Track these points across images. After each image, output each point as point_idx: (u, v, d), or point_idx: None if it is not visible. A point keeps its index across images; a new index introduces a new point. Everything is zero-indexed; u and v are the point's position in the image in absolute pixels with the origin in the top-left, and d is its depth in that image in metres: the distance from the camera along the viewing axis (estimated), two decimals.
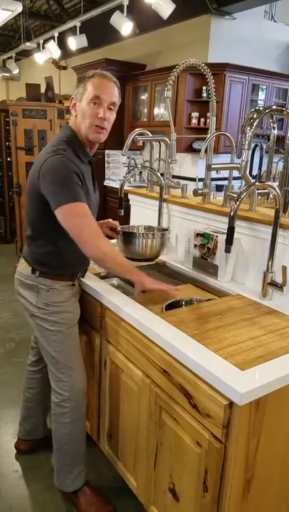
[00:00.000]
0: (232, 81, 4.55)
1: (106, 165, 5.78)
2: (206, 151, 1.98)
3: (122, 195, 2.15)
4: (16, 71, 8.27)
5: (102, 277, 1.94)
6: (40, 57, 6.45)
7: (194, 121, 4.73)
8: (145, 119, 5.32)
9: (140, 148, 5.75)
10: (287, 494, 1.37)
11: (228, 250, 1.49)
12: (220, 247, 1.82)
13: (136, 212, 2.57)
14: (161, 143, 2.45)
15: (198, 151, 4.70)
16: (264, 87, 4.94)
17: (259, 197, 2.02)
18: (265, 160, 2.67)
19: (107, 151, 5.65)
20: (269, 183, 1.61)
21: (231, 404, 1.09)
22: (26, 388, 1.99)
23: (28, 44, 6.58)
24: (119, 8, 4.68)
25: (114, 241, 2.01)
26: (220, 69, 4.38)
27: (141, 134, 2.25)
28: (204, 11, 4.61)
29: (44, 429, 2.05)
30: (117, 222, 1.96)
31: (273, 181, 2.47)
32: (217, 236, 1.84)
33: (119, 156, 5.72)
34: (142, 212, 2.48)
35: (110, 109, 1.52)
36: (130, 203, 2.59)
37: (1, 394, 2.52)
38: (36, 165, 1.50)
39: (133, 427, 1.58)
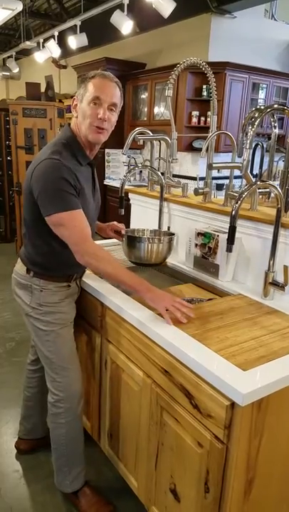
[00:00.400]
0: (232, 80, 4.55)
1: (106, 164, 5.77)
2: (206, 150, 1.97)
3: (123, 195, 2.14)
4: (16, 70, 8.26)
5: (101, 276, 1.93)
6: (40, 56, 6.43)
7: (194, 120, 4.72)
8: (145, 118, 5.31)
9: (140, 147, 5.74)
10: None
11: (229, 250, 1.48)
12: (221, 246, 1.81)
13: (136, 212, 2.56)
14: (162, 142, 2.44)
15: (198, 150, 4.69)
16: (264, 85, 4.94)
17: (260, 196, 2.01)
18: (265, 159, 2.67)
19: (107, 150, 5.64)
20: (270, 182, 1.61)
21: (233, 404, 1.09)
22: (26, 387, 1.99)
23: (28, 43, 6.57)
24: (120, 6, 4.67)
25: (106, 242, 1.99)
26: (220, 68, 4.37)
27: (141, 133, 2.25)
28: (204, 10, 4.60)
29: (44, 428, 2.04)
30: (122, 225, 1.94)
31: (274, 180, 2.47)
32: (218, 235, 1.83)
33: (120, 155, 5.71)
34: (143, 212, 2.48)
35: (111, 109, 1.50)
36: (131, 202, 2.58)
37: (1, 393, 2.51)
38: (31, 167, 1.49)
39: (134, 427, 1.58)
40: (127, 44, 5.76)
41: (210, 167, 1.99)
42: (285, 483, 1.32)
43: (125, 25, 4.66)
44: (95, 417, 1.86)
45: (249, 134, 1.59)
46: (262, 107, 1.70)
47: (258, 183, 1.61)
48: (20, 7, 3.93)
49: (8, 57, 8.12)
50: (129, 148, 2.15)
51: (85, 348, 1.85)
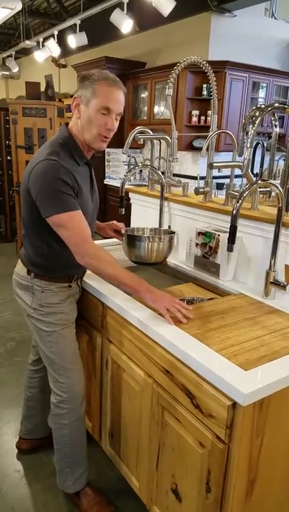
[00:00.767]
0: (232, 79, 4.54)
1: (106, 163, 5.77)
2: (207, 149, 1.97)
3: (123, 194, 2.14)
4: (15, 69, 8.25)
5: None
6: (39, 56, 6.43)
7: (195, 119, 4.72)
8: (145, 117, 5.31)
9: (141, 146, 5.74)
10: None
11: (230, 249, 1.48)
12: (222, 245, 1.81)
13: (137, 211, 2.55)
14: (162, 141, 2.44)
15: (198, 149, 4.69)
16: (264, 84, 4.93)
17: (261, 195, 2.01)
18: (266, 158, 2.66)
19: (107, 150, 5.64)
20: (271, 181, 1.60)
21: (234, 404, 1.08)
22: (27, 387, 1.98)
23: (27, 42, 6.56)
24: (119, 5, 4.66)
25: (106, 242, 1.99)
26: (220, 67, 4.37)
27: (141, 132, 2.24)
28: (204, 9, 4.59)
29: (45, 428, 2.03)
30: (122, 225, 1.93)
31: (275, 179, 2.46)
32: (219, 235, 1.82)
33: (120, 154, 5.71)
34: (143, 211, 2.47)
35: (116, 118, 1.49)
36: (131, 201, 2.58)
37: (2, 393, 2.51)
38: (29, 167, 1.48)
39: (135, 427, 1.57)
40: (127, 43, 5.75)
41: (210, 166, 1.99)
42: (287, 483, 1.32)
43: (125, 24, 4.66)
44: (96, 416, 1.86)
45: (250, 133, 1.59)
46: (262, 106, 1.70)
47: (259, 182, 1.61)
48: (19, 6, 3.93)
49: (8, 56, 8.12)
50: (130, 148, 2.15)
51: (86, 347, 1.85)
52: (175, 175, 2.60)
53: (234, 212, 1.44)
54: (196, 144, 4.78)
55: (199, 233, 1.93)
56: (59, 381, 1.64)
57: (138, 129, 2.21)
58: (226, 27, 4.76)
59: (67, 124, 1.56)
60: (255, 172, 3.06)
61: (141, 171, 5.56)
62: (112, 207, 5.50)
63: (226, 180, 2.13)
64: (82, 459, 1.73)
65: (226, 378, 1.09)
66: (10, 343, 3.09)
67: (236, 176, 2.13)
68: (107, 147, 5.99)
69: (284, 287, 1.58)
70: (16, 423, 2.24)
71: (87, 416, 1.91)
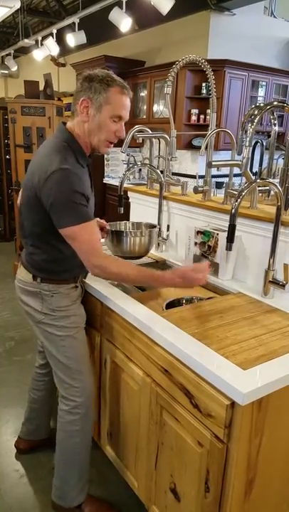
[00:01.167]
0: (232, 77, 4.54)
1: (105, 162, 5.76)
2: (206, 147, 1.96)
3: (122, 193, 2.13)
4: (14, 68, 8.23)
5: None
6: (38, 54, 6.41)
7: (194, 118, 4.71)
8: (144, 116, 5.30)
9: (140, 145, 5.73)
10: None
11: (229, 248, 1.48)
12: (220, 244, 1.80)
13: (136, 210, 2.55)
14: (161, 140, 2.43)
15: (197, 148, 4.68)
16: (264, 83, 4.92)
17: (260, 194, 2.00)
18: (265, 157, 2.66)
19: None
20: (270, 180, 1.60)
21: (233, 404, 1.08)
22: (32, 390, 1.96)
23: (26, 41, 6.54)
24: (118, 4, 4.65)
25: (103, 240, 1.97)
26: (219, 65, 4.36)
27: (140, 131, 2.24)
28: (203, 7, 4.58)
29: (46, 429, 2.03)
30: (104, 221, 1.92)
31: (274, 178, 2.46)
32: (218, 234, 1.82)
33: (119, 153, 5.70)
34: (142, 210, 2.47)
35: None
36: (130, 200, 2.57)
37: (1, 393, 2.51)
38: (38, 174, 1.40)
39: (134, 426, 1.57)
40: (126, 42, 5.74)
41: (209, 165, 1.99)
42: (285, 482, 1.32)
43: (124, 22, 4.64)
44: (94, 416, 1.86)
45: (249, 132, 1.58)
46: (261, 104, 1.70)
47: (258, 181, 1.60)
48: (18, 4, 3.92)
49: (7, 55, 8.09)
50: (129, 147, 2.14)
51: None
52: (174, 174, 2.60)
53: (233, 211, 1.44)
54: (195, 142, 4.78)
55: (198, 232, 1.92)
56: (74, 386, 1.59)
57: (137, 127, 2.20)
58: (225, 25, 4.75)
59: (64, 124, 1.52)
60: (254, 171, 3.05)
61: (140, 169, 5.55)
62: (111, 206, 5.49)
63: (225, 179, 2.13)
64: (88, 465, 1.68)
65: (225, 378, 1.09)
66: (9, 343, 3.09)
67: (235, 175, 2.13)
68: None
69: (283, 286, 1.58)
70: (14, 423, 2.24)
71: None
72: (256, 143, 2.87)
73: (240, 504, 1.19)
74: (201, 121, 4.71)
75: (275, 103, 1.66)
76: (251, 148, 1.85)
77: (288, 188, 1.66)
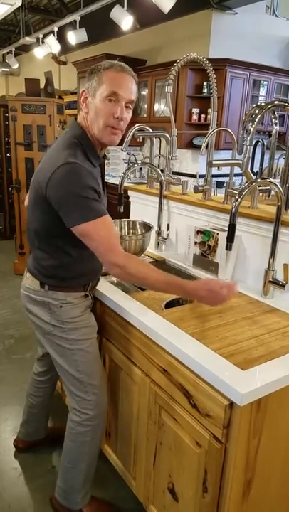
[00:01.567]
0: (233, 76, 4.52)
1: (106, 161, 5.75)
2: (206, 147, 1.96)
3: (122, 192, 2.13)
4: (15, 66, 8.21)
5: (102, 274, 1.92)
6: (39, 52, 6.40)
7: (195, 117, 4.70)
8: (145, 115, 5.29)
9: (140, 144, 5.72)
10: (288, 495, 1.36)
11: (229, 248, 1.47)
12: (220, 244, 1.80)
13: (136, 209, 2.55)
14: (162, 139, 2.43)
15: (198, 147, 4.68)
16: (265, 82, 4.91)
17: (260, 194, 2.00)
18: (266, 156, 2.65)
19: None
20: (271, 179, 1.59)
21: (232, 404, 1.08)
22: (31, 395, 1.92)
23: (27, 39, 6.53)
24: (120, 2, 4.64)
25: None
26: (221, 64, 4.35)
27: (141, 130, 2.23)
28: (205, 6, 4.57)
29: (45, 430, 2.03)
30: None
31: (274, 178, 2.45)
32: (218, 233, 1.82)
33: (119, 152, 5.69)
34: (142, 209, 2.46)
35: (127, 107, 1.36)
36: (130, 199, 2.57)
37: (0, 391, 2.51)
38: (44, 171, 1.31)
39: (132, 425, 1.57)
40: (127, 40, 5.73)
41: (210, 164, 1.98)
42: (284, 483, 1.32)
43: (125, 20, 4.63)
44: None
45: (249, 131, 1.58)
46: (262, 104, 1.69)
47: (259, 180, 1.60)
48: (19, 2, 3.90)
49: (8, 53, 8.07)
50: (129, 145, 2.14)
51: None
52: (174, 173, 2.59)
53: (233, 210, 1.43)
54: (196, 141, 4.77)
55: (198, 232, 1.92)
56: (86, 399, 1.52)
57: (137, 126, 2.20)
58: (226, 25, 4.74)
59: (76, 119, 1.43)
60: (254, 170, 3.05)
61: (140, 168, 5.54)
62: (111, 204, 5.46)
63: (226, 179, 2.12)
64: (93, 473, 1.64)
65: (224, 378, 1.08)
66: (8, 341, 3.09)
67: (236, 175, 2.12)
68: None
69: (283, 286, 1.57)
70: (13, 421, 2.23)
71: None
72: (257, 142, 2.86)
73: (238, 505, 1.19)
74: (202, 121, 4.70)
75: (276, 102, 1.65)
76: (252, 147, 1.84)
77: None
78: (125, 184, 2.18)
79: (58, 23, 5.90)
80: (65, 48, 6.31)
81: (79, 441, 1.56)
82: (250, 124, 1.57)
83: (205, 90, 4.60)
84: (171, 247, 2.25)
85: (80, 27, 5.43)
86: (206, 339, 1.28)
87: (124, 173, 2.20)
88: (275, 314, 1.50)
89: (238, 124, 4.56)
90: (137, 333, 1.44)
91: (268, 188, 1.99)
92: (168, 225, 2.25)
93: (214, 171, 2.13)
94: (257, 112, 1.61)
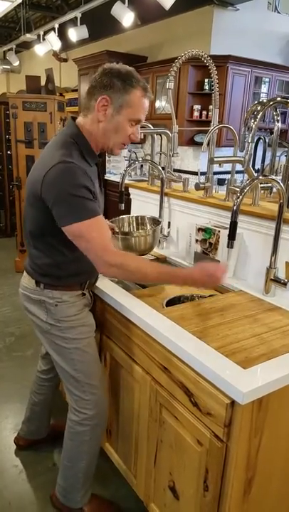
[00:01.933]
0: (234, 73, 4.51)
1: (107, 158, 5.73)
2: (208, 144, 1.95)
3: (123, 189, 2.12)
4: (16, 63, 8.20)
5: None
6: (40, 49, 6.38)
7: (196, 114, 4.68)
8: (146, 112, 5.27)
9: (141, 141, 5.70)
10: None
11: (230, 246, 1.46)
12: (222, 242, 1.79)
13: (136, 207, 2.54)
14: (163, 136, 2.42)
15: (199, 144, 4.66)
16: (267, 79, 4.89)
17: (262, 191, 1.99)
18: (268, 153, 2.64)
19: None
20: (273, 177, 1.58)
21: (233, 403, 1.07)
22: (34, 393, 1.93)
23: (28, 36, 6.51)
24: None
25: None
26: (222, 61, 4.33)
27: (142, 127, 2.22)
28: (207, 2, 4.54)
29: (47, 429, 2.03)
30: (111, 223, 1.89)
31: (276, 175, 2.44)
32: (219, 231, 1.81)
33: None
34: (143, 207, 2.45)
35: None
36: (131, 196, 2.56)
37: (1, 388, 2.51)
38: (39, 169, 1.31)
39: (133, 423, 1.57)
40: (128, 37, 5.70)
41: (211, 161, 1.97)
42: (285, 482, 1.31)
43: (126, 17, 4.61)
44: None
45: (251, 128, 1.57)
46: (264, 101, 1.68)
47: (260, 177, 1.59)
48: None
49: (9, 50, 8.06)
50: (130, 143, 2.13)
51: None
52: (175, 170, 2.58)
53: (235, 208, 1.42)
54: (197, 138, 4.75)
55: (199, 229, 1.91)
56: (84, 399, 1.51)
57: None
58: (228, 21, 4.71)
59: (73, 119, 1.42)
60: (256, 168, 3.03)
61: (141, 166, 5.53)
62: (112, 202, 5.47)
63: (227, 176, 2.11)
64: (93, 470, 1.64)
65: (225, 376, 1.08)
66: (9, 338, 3.09)
67: (237, 172, 2.11)
68: None
69: (284, 284, 1.57)
70: (14, 418, 2.23)
71: None
72: (259, 139, 2.85)
73: (239, 503, 1.19)
74: (204, 117, 4.68)
75: (278, 99, 1.64)
76: (254, 144, 1.83)
77: None
78: (126, 181, 2.17)
79: (59, 20, 5.88)
80: (66, 45, 6.29)
81: (78, 441, 1.56)
82: (252, 121, 1.56)
83: (206, 87, 4.59)
84: (172, 245, 2.24)
85: (81, 24, 5.41)
86: (207, 337, 1.27)
87: (125, 171, 2.19)
88: (277, 312, 1.49)
89: (239, 121, 4.54)
90: (138, 331, 1.43)
91: (270, 185, 1.98)
92: (169, 223, 2.24)
93: (215, 168, 2.12)
94: (259, 108, 1.60)
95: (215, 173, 2.14)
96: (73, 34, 5.43)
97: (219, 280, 1.38)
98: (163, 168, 2.25)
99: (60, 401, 2.10)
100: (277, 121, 2.25)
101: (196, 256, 1.96)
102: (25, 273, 1.53)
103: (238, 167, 1.93)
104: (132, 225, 2.15)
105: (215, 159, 1.86)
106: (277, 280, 1.59)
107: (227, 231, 1.46)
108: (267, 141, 2.86)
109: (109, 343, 1.65)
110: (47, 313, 1.47)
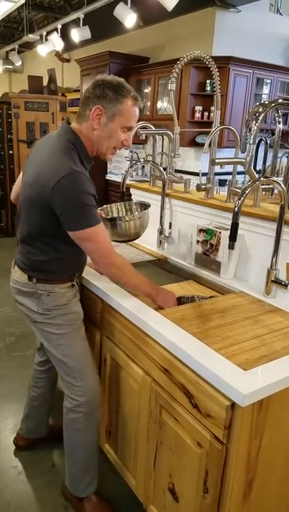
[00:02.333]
0: (236, 74, 4.50)
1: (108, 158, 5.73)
2: (209, 145, 1.94)
3: (124, 190, 2.12)
4: (18, 63, 8.21)
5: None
6: (43, 50, 6.39)
7: (198, 115, 4.68)
8: (148, 113, 5.27)
9: (143, 142, 5.70)
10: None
11: (231, 247, 1.46)
12: (223, 243, 1.79)
13: None
14: (164, 137, 2.42)
15: (201, 145, 4.66)
16: (268, 81, 4.89)
17: (263, 192, 1.98)
18: (269, 155, 2.64)
19: None
20: (274, 178, 1.58)
21: (233, 405, 1.07)
22: (32, 387, 1.95)
23: (31, 36, 6.52)
24: None
25: None
26: (224, 62, 4.33)
27: (144, 128, 2.22)
28: (209, 4, 4.54)
29: (46, 428, 2.03)
30: (101, 212, 1.95)
31: (277, 176, 2.44)
32: (220, 232, 1.80)
33: (122, 149, 5.67)
34: None
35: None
36: (132, 197, 2.55)
37: (1, 388, 2.50)
38: (47, 175, 1.36)
39: (133, 425, 1.56)
40: (131, 38, 5.71)
41: (213, 162, 1.96)
42: (285, 484, 1.31)
43: (129, 18, 4.62)
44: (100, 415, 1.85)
45: (253, 129, 1.57)
46: (266, 102, 1.68)
47: (262, 179, 1.58)
48: None
49: (11, 50, 8.07)
50: (132, 143, 2.13)
51: None
52: (177, 171, 2.58)
53: (236, 209, 1.42)
54: (198, 139, 4.75)
55: (200, 230, 1.91)
56: (75, 385, 1.58)
57: (140, 124, 2.18)
58: (230, 22, 4.71)
59: (68, 123, 1.49)
60: (257, 169, 3.03)
61: (143, 166, 5.53)
62: (114, 202, 5.47)
63: (229, 177, 2.11)
64: (95, 462, 1.68)
65: (225, 378, 1.07)
66: (9, 338, 3.09)
67: (239, 173, 2.11)
68: None
69: (285, 286, 1.56)
70: (13, 419, 2.23)
71: None
72: (260, 141, 2.84)
73: (239, 505, 1.18)
74: (205, 119, 4.68)
75: (280, 101, 1.64)
76: (255, 146, 1.83)
77: None
78: (127, 182, 2.17)
79: (62, 21, 5.89)
80: (69, 45, 6.30)
81: (72, 428, 1.62)
82: (254, 122, 1.56)
83: (208, 88, 4.58)
84: (173, 246, 2.24)
85: (83, 25, 5.41)
86: (208, 339, 1.27)
87: (126, 171, 2.19)
88: (278, 314, 1.48)
89: (241, 122, 4.54)
90: (138, 332, 1.43)
91: (271, 186, 1.98)
92: (170, 224, 2.24)
93: (217, 169, 2.11)
94: (260, 110, 1.60)
95: (216, 174, 2.13)
96: (76, 35, 5.43)
97: (168, 307, 1.55)
98: (164, 169, 2.24)
99: (60, 402, 2.09)
100: (279, 122, 2.25)
101: (197, 257, 1.95)
102: (16, 267, 1.60)
103: (240, 168, 1.92)
104: (120, 212, 2.21)
105: (216, 160, 1.85)
106: (278, 282, 1.59)
107: (228, 232, 1.46)
108: (268, 142, 2.85)
109: (109, 344, 1.65)
110: (38, 303, 1.55)
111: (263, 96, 4.90)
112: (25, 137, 4.46)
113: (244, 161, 1.65)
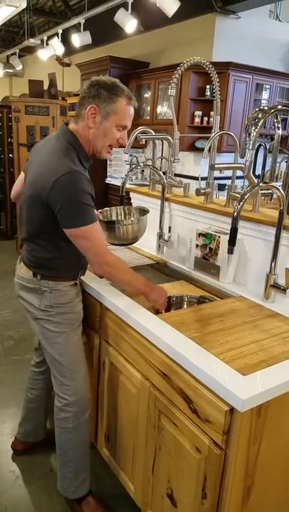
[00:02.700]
0: (236, 80, 4.53)
1: (108, 162, 5.75)
2: (209, 150, 1.95)
3: (124, 194, 2.12)
4: (19, 67, 8.23)
5: (102, 276, 1.91)
6: (43, 54, 6.41)
7: (197, 119, 4.70)
8: (148, 117, 5.29)
9: (143, 146, 5.72)
10: (288, 500, 1.34)
11: (230, 251, 1.46)
12: (222, 247, 1.79)
13: None
14: (164, 141, 2.42)
15: (200, 149, 4.68)
16: (268, 86, 4.91)
17: (262, 197, 1.99)
18: (268, 160, 2.65)
19: None
20: (273, 183, 1.59)
21: (232, 410, 1.07)
22: (29, 389, 1.95)
23: (31, 40, 6.54)
24: (124, 5, 4.64)
25: None
26: (224, 68, 4.35)
27: (144, 132, 2.22)
28: (209, 10, 4.57)
29: (44, 431, 2.02)
30: (99, 214, 1.97)
31: (276, 181, 2.45)
32: (219, 236, 1.81)
33: (122, 153, 5.68)
34: None
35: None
36: (132, 201, 2.56)
37: None
38: (46, 175, 1.39)
39: (131, 429, 1.56)
40: (131, 43, 5.74)
41: (212, 167, 1.97)
42: (284, 489, 1.30)
43: (129, 23, 4.64)
44: (92, 418, 1.84)
45: (252, 135, 1.57)
46: (265, 108, 1.69)
47: (261, 184, 1.59)
48: (24, 4, 3.91)
49: (12, 54, 8.09)
50: (132, 147, 2.13)
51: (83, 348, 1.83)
52: (176, 175, 2.59)
53: (235, 214, 1.42)
54: (198, 144, 4.77)
55: (200, 234, 1.91)
56: (65, 384, 1.60)
57: (140, 129, 2.19)
58: (230, 28, 4.74)
59: (66, 124, 1.52)
60: (257, 174, 3.04)
61: (143, 170, 5.54)
62: (113, 206, 5.48)
63: (228, 182, 2.11)
64: (86, 464, 1.69)
65: (224, 383, 1.07)
66: (8, 342, 3.08)
67: (238, 177, 2.11)
68: None
69: (284, 291, 1.56)
70: (11, 423, 2.22)
71: None
72: (259, 146, 2.86)
73: (237, 511, 1.18)
74: (205, 124, 4.70)
75: (279, 107, 1.65)
76: (254, 151, 1.83)
77: None
78: (127, 186, 2.17)
79: (63, 26, 5.91)
80: (69, 50, 6.33)
81: (61, 427, 1.64)
82: (253, 127, 1.56)
83: (208, 93, 4.61)
84: (172, 250, 2.24)
85: (84, 29, 5.43)
86: (207, 343, 1.27)
87: (126, 175, 2.20)
88: (277, 319, 1.49)
89: (240, 127, 4.56)
90: (137, 336, 1.43)
91: (270, 191, 1.98)
92: (169, 228, 2.24)
93: (216, 173, 2.12)
94: (260, 115, 1.60)
95: (215, 179, 2.14)
96: (76, 40, 5.45)
97: (159, 304, 1.60)
98: (164, 173, 2.25)
99: None
100: (278, 128, 2.26)
101: (197, 261, 1.96)
102: (22, 264, 1.63)
103: (239, 173, 1.93)
104: (119, 216, 2.20)
105: (216, 165, 1.86)
106: (277, 286, 1.59)
107: (227, 236, 1.46)
108: (267, 147, 2.87)
109: (108, 348, 1.65)
110: (41, 299, 1.57)
111: (263, 101, 4.93)
112: (25, 141, 4.47)
113: (243, 166, 1.65)
